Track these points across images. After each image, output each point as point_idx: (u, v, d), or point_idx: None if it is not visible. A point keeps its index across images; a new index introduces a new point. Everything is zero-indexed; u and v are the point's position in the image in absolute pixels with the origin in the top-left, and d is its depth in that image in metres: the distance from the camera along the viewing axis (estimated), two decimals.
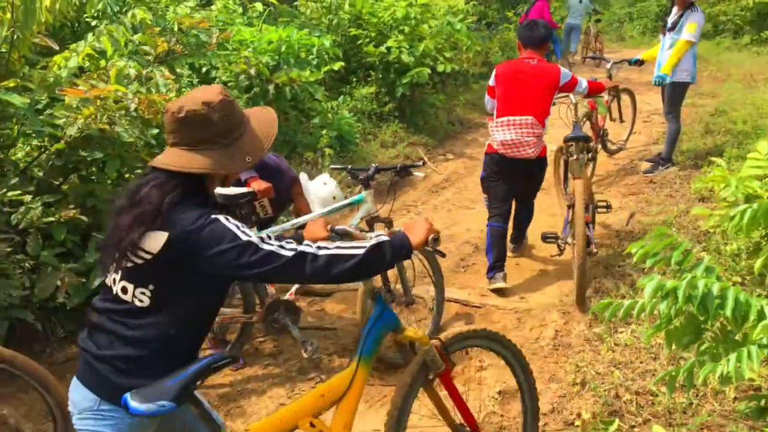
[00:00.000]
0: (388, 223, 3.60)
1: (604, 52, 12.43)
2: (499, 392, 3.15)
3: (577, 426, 2.67)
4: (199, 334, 1.86)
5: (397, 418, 2.07)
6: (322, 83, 7.14)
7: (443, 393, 2.25)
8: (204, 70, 6.33)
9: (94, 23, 5.80)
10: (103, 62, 4.32)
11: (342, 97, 7.70)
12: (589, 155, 6.03)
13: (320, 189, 3.81)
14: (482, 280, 4.38)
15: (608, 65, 6.48)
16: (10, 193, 3.40)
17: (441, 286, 3.73)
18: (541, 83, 4.08)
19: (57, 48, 3.98)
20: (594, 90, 4.48)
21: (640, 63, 6.42)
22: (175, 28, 5.08)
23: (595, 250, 4.06)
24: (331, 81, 7.84)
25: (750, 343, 1.65)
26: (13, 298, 3.24)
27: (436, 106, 8.77)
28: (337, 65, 7.14)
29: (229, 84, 6.22)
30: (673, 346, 1.93)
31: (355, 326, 3.53)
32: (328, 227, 2.16)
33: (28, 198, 3.44)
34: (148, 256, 1.67)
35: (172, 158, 1.75)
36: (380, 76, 8.24)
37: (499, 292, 4.17)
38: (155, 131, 3.95)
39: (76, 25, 6.36)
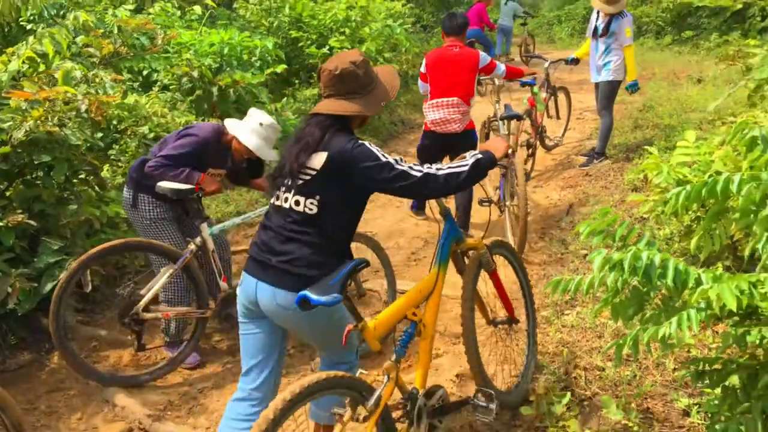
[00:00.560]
0: None
1: (535, 52, 12.85)
2: (457, 375, 3.29)
3: (533, 400, 2.82)
4: (348, 239, 2.36)
5: (469, 298, 2.73)
6: (265, 85, 7.16)
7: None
8: (145, 72, 6.25)
9: (29, 27, 5.66)
10: (42, 66, 4.24)
11: (285, 98, 7.73)
12: (529, 150, 6.32)
13: (247, 123, 3.50)
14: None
15: (546, 64, 6.76)
16: None
17: (392, 278, 3.83)
18: (463, 67, 4.70)
19: None
20: (512, 74, 5.19)
21: (576, 61, 6.72)
22: (115, 31, 5.04)
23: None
24: (274, 83, 7.86)
25: (689, 308, 1.82)
26: None
27: None
28: (280, 67, 7.17)
29: (171, 87, 6.17)
30: (619, 321, 2.10)
31: None
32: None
33: None
34: (313, 172, 2.22)
35: (332, 106, 2.30)
36: None
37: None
38: (100, 134, 3.93)
39: (6, 29, 6.19)
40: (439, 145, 4.81)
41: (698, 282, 1.83)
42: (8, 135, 3.48)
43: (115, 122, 4.87)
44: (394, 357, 2.24)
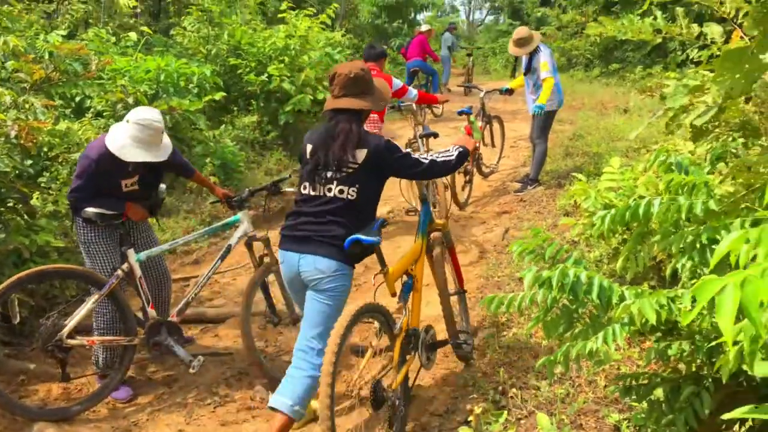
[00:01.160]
0: (266, 241, 3.69)
1: (474, 83, 13.26)
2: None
3: (471, 421, 2.87)
4: (375, 212, 2.89)
5: (440, 264, 3.38)
6: (203, 112, 7.10)
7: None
8: (78, 99, 6.11)
9: None
10: None
11: (224, 126, 7.68)
12: (467, 177, 6.49)
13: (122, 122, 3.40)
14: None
15: (481, 94, 6.98)
16: None
17: None
18: None
19: None
20: (424, 99, 6.05)
21: (510, 92, 6.98)
22: (47, 56, 4.93)
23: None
24: (212, 110, 7.80)
25: (614, 323, 1.91)
26: None
27: None
28: (218, 94, 7.13)
29: (105, 113, 6.05)
30: (553, 339, 2.18)
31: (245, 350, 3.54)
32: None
33: None
34: (356, 165, 2.72)
35: (349, 102, 2.78)
36: (262, 104, 8.31)
37: None
38: (30, 161, 3.81)
39: None
40: None
41: (622, 298, 1.93)
42: None
43: (46, 149, 4.73)
44: (401, 302, 2.95)
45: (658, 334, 2.28)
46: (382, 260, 2.80)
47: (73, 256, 4.28)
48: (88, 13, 9.44)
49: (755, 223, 1.80)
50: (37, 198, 4.46)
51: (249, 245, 3.72)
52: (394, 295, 2.95)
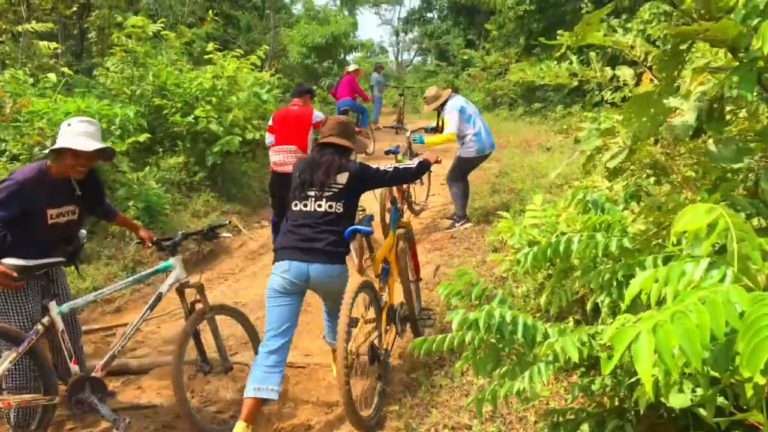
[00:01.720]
0: (199, 287, 3.58)
1: (404, 122, 13.51)
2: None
3: None
4: (355, 216, 3.57)
5: (404, 252, 4.10)
6: (126, 154, 6.92)
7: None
8: None
9: None
10: None
11: (148, 167, 7.49)
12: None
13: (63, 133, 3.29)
14: (305, 341, 4.48)
15: (407, 133, 7.10)
16: None
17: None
18: (300, 122, 5.87)
19: None
20: None
21: (435, 130, 7.13)
22: None
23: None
24: (135, 152, 7.60)
25: (539, 362, 1.94)
26: None
27: (248, 174, 8.86)
28: (142, 136, 6.97)
29: (22, 157, 5.81)
30: (480, 375, 2.19)
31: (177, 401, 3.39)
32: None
33: None
34: (340, 186, 3.44)
35: (334, 139, 3.57)
36: (188, 145, 8.17)
37: None
38: None
39: None
40: (278, 182, 5.77)
41: (545, 336, 1.96)
42: None
43: None
44: (381, 283, 3.74)
45: (582, 369, 2.33)
46: (371, 248, 4.14)
47: None
48: (5, 54, 9.12)
49: (667, 260, 1.88)
50: None
51: (181, 292, 3.58)
52: (377, 276, 3.74)
